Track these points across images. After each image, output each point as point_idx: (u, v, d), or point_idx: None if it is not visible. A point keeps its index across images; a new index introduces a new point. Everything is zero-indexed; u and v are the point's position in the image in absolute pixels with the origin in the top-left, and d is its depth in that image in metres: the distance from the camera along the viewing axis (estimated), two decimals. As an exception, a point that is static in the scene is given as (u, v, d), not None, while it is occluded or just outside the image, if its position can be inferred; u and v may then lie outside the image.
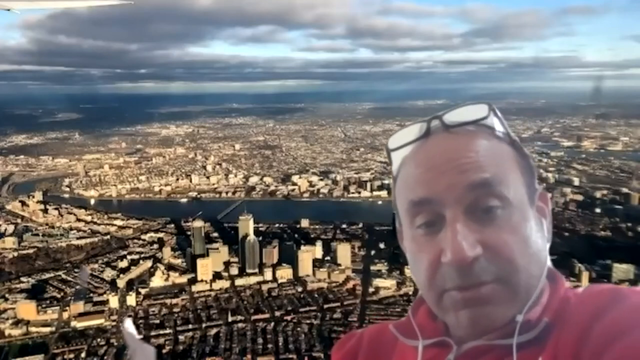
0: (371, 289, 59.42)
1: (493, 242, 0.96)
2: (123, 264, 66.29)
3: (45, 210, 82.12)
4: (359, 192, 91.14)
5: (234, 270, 64.37)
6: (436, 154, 1.03)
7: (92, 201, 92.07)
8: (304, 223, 76.16)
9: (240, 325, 54.07)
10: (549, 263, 1.05)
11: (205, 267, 63.45)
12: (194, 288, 61.35)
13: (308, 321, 54.29)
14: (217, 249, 67.46)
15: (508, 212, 0.98)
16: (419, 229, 1.04)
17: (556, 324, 0.98)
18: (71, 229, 76.01)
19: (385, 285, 59.51)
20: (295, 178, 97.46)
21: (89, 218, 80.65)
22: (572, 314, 0.97)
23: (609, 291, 0.98)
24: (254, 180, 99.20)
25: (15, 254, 68.08)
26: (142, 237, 75.11)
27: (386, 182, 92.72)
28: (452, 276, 0.97)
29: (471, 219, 0.97)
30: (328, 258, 66.29)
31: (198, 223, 71.28)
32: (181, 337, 52.34)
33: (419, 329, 1.12)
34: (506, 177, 1.01)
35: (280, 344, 50.55)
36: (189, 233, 72.41)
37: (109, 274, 64.03)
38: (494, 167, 1.00)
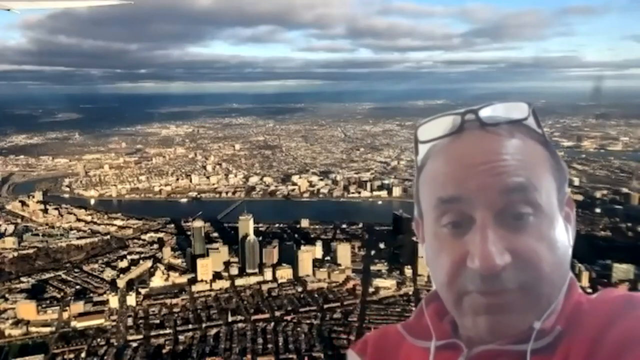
0: (371, 289, 59.40)
1: (521, 250, 0.93)
2: (123, 264, 66.28)
3: (45, 210, 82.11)
4: (359, 192, 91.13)
5: (234, 270, 64.36)
6: (470, 152, 0.99)
7: (92, 201, 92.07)
8: (304, 223, 76.14)
9: (240, 325, 54.06)
10: (568, 276, 1.04)
11: (205, 267, 63.45)
12: (194, 288, 61.35)
13: (308, 321, 54.27)
14: (217, 249, 67.45)
15: (538, 220, 0.96)
16: (444, 228, 1.01)
17: (569, 330, 0.96)
18: (71, 229, 76.00)
19: (385, 285, 59.51)
20: (295, 178, 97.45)
21: (89, 218, 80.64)
22: (586, 320, 0.95)
23: (623, 297, 0.96)
24: (254, 180, 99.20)
25: (15, 254, 68.06)
26: (142, 237, 75.09)
27: (386, 182, 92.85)
28: (477, 281, 0.95)
29: (501, 224, 0.94)
30: (328, 258, 66.27)
31: (198, 223, 71.28)
32: (181, 337, 52.32)
33: (433, 331, 1.11)
34: (540, 183, 0.98)
35: (280, 344, 50.53)
36: (189, 233, 72.40)
37: (109, 274, 64.02)
38: (529, 172, 0.97)
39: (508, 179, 0.95)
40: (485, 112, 1.04)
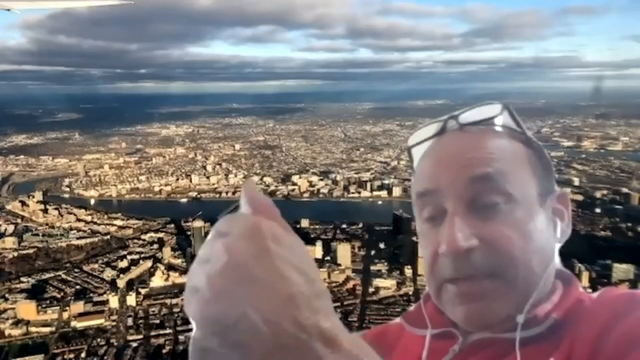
0: (371, 289, 59.41)
1: (491, 236, 0.96)
2: (123, 264, 66.28)
3: (45, 210, 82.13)
4: (359, 192, 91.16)
5: (234, 270, 64.34)
6: (446, 151, 1.06)
7: (92, 201, 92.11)
8: (304, 223, 76.15)
9: (240, 325, 54.02)
10: (557, 264, 1.06)
11: (205, 267, 63.43)
12: (194, 288, 61.32)
13: (308, 321, 54.25)
14: (217, 249, 67.41)
15: (511, 208, 0.98)
16: (425, 223, 1.07)
17: (568, 324, 0.97)
18: (71, 229, 76.03)
19: (385, 285, 59.51)
20: (295, 178, 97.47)
21: (89, 218, 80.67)
22: (588, 317, 0.96)
23: (626, 296, 0.97)
24: (253, 180, 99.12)
25: (15, 254, 68.07)
26: (142, 237, 75.12)
27: (386, 182, 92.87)
28: (447, 267, 0.98)
29: (471, 212, 0.98)
30: (328, 258, 66.28)
31: (198, 223, 71.29)
32: (181, 337, 52.26)
33: (428, 319, 1.13)
34: (513, 174, 1.01)
35: (280, 344, 50.52)
36: (189, 233, 72.44)
37: (109, 274, 64.03)
38: (499, 163, 1.01)
39: (477, 169, 0.99)
40: (464, 116, 1.10)
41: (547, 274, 1.02)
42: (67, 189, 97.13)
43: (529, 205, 1.01)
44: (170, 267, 66.38)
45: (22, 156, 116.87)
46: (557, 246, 1.08)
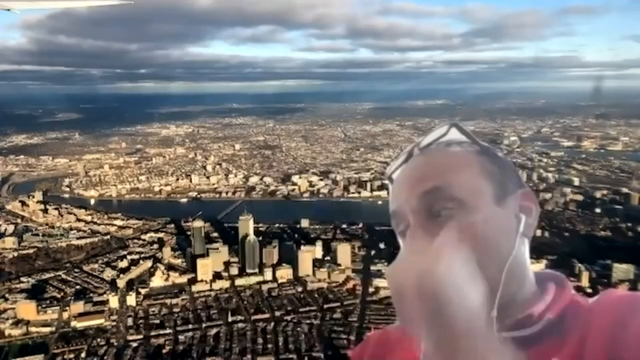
0: (371, 289, 59.31)
1: (447, 241, 1.02)
2: (123, 264, 66.25)
3: (45, 210, 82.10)
4: (359, 192, 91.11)
5: (234, 270, 64.33)
6: (403, 174, 1.23)
7: (92, 201, 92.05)
8: (304, 223, 76.11)
9: (240, 325, 54.03)
10: (528, 263, 1.15)
11: (205, 267, 63.43)
12: (194, 288, 61.32)
13: (308, 321, 54.24)
14: (217, 249, 67.42)
15: (463, 213, 1.09)
16: (400, 238, 1.22)
17: (565, 324, 1.01)
18: (71, 229, 75.99)
19: (385, 285, 59.03)
20: (295, 178, 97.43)
21: (89, 218, 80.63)
22: (593, 319, 0.98)
23: (631, 298, 1.01)
24: (254, 180, 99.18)
25: (15, 254, 68.04)
26: (142, 237, 75.05)
27: (386, 182, 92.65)
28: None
29: (428, 222, 1.10)
30: (328, 258, 66.24)
31: (198, 223, 71.26)
32: (181, 337, 52.29)
33: None
34: (461, 182, 1.12)
35: (280, 344, 50.51)
36: (189, 233, 72.38)
37: (109, 274, 64.00)
38: (445, 175, 1.14)
39: (424, 185, 1.14)
40: (425, 139, 1.26)
41: (519, 269, 1.09)
42: (67, 189, 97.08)
43: (482, 207, 1.11)
44: (170, 267, 66.35)
45: (22, 156, 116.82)
46: (525, 240, 1.15)
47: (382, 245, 68.03)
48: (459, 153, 1.19)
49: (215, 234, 73.99)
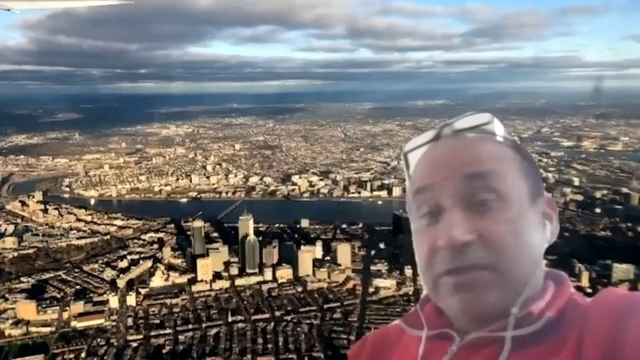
0: (371, 289, 59.36)
1: (486, 230, 1.03)
2: (123, 264, 66.26)
3: (45, 210, 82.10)
4: (359, 192, 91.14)
5: (234, 270, 64.33)
6: (441, 153, 1.16)
7: (92, 201, 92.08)
8: (304, 223, 76.13)
9: (240, 325, 54.04)
10: (543, 266, 1.13)
11: (205, 267, 63.43)
12: (194, 288, 61.32)
13: (308, 321, 54.25)
14: (217, 249, 67.42)
15: (503, 206, 1.06)
16: (422, 219, 1.14)
17: (564, 322, 1.02)
18: (71, 229, 75.99)
19: (385, 285, 59.48)
20: (295, 178, 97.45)
21: (89, 218, 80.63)
22: (591, 318, 0.99)
23: (630, 297, 1.01)
24: (254, 180, 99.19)
25: (15, 254, 68.05)
26: (142, 237, 75.07)
27: (386, 182, 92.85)
28: (444, 260, 1.04)
29: (466, 208, 1.06)
30: (328, 258, 66.25)
31: (198, 223, 71.24)
32: (181, 337, 52.29)
33: (425, 321, 1.18)
34: (503, 174, 1.09)
35: (280, 344, 50.51)
36: (189, 233, 72.37)
37: (109, 274, 64.00)
38: (491, 164, 1.10)
39: (470, 168, 1.08)
40: (457, 123, 1.21)
41: (538, 271, 1.09)
42: (67, 189, 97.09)
43: (520, 204, 1.08)
44: (170, 267, 66.36)
45: (22, 156, 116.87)
46: (545, 246, 1.14)
47: (382, 245, 68.10)
48: (501, 146, 1.16)
49: (215, 234, 74.00)
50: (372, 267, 63.21)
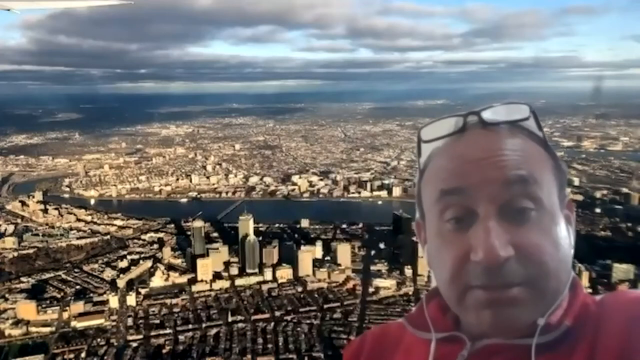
0: (371, 289, 59.38)
1: (525, 244, 0.94)
2: (123, 264, 66.26)
3: (45, 210, 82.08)
4: (359, 192, 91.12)
5: (234, 270, 64.35)
6: (472, 149, 1.01)
7: (92, 201, 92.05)
8: (304, 223, 76.10)
9: (240, 325, 54.05)
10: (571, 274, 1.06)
11: (205, 267, 63.44)
12: (194, 288, 61.34)
13: (308, 321, 54.26)
14: (217, 249, 67.43)
15: (540, 215, 0.97)
16: (447, 223, 1.02)
17: (579, 328, 0.97)
18: (71, 229, 75.97)
19: (385, 285, 59.49)
20: (295, 178, 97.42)
21: (89, 218, 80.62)
22: (608, 321, 0.95)
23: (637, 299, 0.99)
24: (254, 180, 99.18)
25: (15, 254, 68.03)
26: (142, 237, 75.06)
27: (386, 182, 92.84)
28: (480, 275, 0.94)
29: (504, 217, 0.95)
30: (328, 258, 66.25)
31: (198, 223, 71.25)
32: (181, 337, 52.31)
33: (431, 322, 1.11)
34: (540, 179, 0.99)
35: (280, 344, 50.52)
36: (189, 233, 72.37)
37: (109, 274, 64.01)
38: (529, 167, 0.98)
39: (510, 172, 0.96)
40: (486, 113, 1.06)
41: (569, 282, 1.03)
42: (67, 189, 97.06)
43: (553, 211, 1.00)
44: (170, 267, 66.37)
45: (22, 156, 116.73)
46: (572, 252, 1.06)
47: (382, 245, 68.10)
48: (537, 145, 1.04)
49: (215, 234, 73.99)
50: (372, 267, 63.22)
